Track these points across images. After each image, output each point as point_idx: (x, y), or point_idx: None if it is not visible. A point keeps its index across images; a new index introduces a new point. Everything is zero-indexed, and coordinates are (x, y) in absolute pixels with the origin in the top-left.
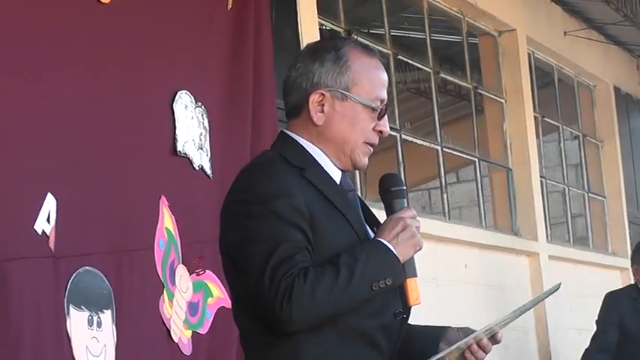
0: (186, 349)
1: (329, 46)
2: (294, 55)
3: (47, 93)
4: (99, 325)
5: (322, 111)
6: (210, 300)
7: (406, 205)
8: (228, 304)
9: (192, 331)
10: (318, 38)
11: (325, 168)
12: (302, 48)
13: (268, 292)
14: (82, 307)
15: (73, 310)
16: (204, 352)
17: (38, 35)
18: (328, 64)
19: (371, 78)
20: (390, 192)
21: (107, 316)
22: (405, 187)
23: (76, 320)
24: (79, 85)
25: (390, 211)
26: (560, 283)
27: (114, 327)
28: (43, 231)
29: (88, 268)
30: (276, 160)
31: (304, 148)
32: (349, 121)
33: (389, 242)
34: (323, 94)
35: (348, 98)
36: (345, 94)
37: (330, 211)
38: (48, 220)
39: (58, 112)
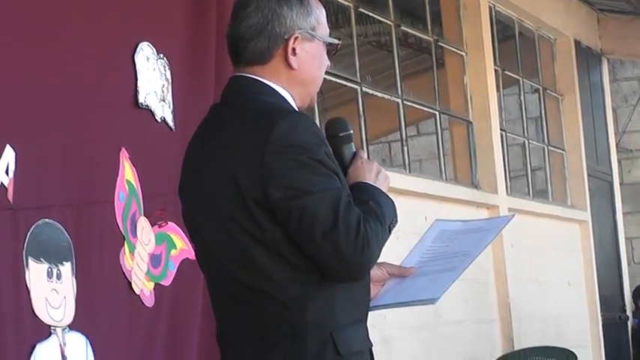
0: (149, 301)
1: None
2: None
3: (4, 45)
4: (58, 277)
5: (294, 54)
6: (173, 252)
7: (354, 149)
8: (192, 255)
9: (155, 283)
10: None
11: None
12: None
13: (346, 240)
14: (41, 259)
15: (32, 263)
16: (167, 303)
17: None
18: (296, 7)
19: (323, 16)
20: (338, 137)
21: (67, 269)
22: (352, 131)
23: (35, 272)
24: (39, 37)
25: (339, 156)
26: (514, 215)
27: (74, 279)
28: (2, 183)
29: (47, 220)
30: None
31: (282, 95)
32: (317, 61)
33: (375, 184)
34: (296, 37)
35: (314, 38)
36: (312, 35)
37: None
38: (7, 172)
39: (16, 65)
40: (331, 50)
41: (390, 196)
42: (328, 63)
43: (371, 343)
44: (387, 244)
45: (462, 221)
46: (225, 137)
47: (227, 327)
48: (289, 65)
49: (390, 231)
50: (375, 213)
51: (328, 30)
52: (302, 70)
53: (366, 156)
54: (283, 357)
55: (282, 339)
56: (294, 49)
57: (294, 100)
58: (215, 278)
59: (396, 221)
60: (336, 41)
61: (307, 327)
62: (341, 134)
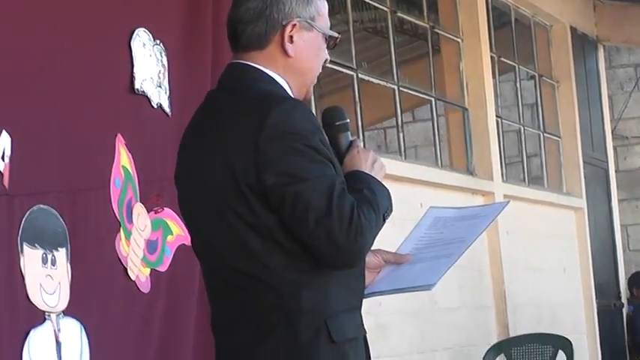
0: (144, 287)
1: None
2: None
3: (1, 31)
4: (53, 263)
5: (291, 42)
6: (169, 237)
7: (350, 138)
8: (188, 241)
9: (151, 269)
10: None
11: None
12: None
13: (339, 227)
14: (36, 245)
15: (26, 248)
16: (163, 289)
17: None
18: None
19: (325, 8)
20: (334, 126)
21: (62, 254)
22: (348, 120)
23: (30, 258)
24: (35, 24)
25: (335, 145)
26: (509, 201)
27: (68, 265)
28: None
29: (42, 206)
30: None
31: (278, 82)
32: (315, 51)
33: (371, 173)
34: (294, 25)
35: (313, 28)
36: (311, 25)
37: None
38: (2, 157)
39: (12, 51)
40: (330, 44)
41: (386, 183)
42: (327, 57)
43: (365, 330)
44: (382, 230)
45: (456, 208)
46: (222, 123)
47: (221, 314)
48: (285, 52)
49: (384, 220)
50: (369, 201)
51: (329, 23)
52: (298, 59)
53: (362, 145)
54: (277, 344)
55: (276, 326)
56: (291, 37)
57: (290, 88)
58: (210, 265)
59: (391, 210)
60: (335, 34)
61: (301, 314)
62: (337, 123)
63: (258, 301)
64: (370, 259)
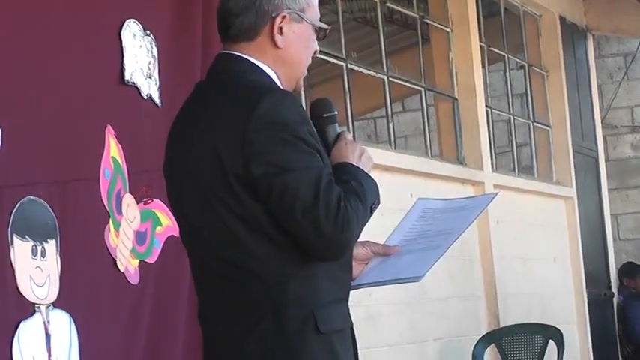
0: (133, 279)
1: None
2: None
3: None
4: (43, 254)
5: (281, 33)
6: (159, 229)
7: (338, 130)
8: (177, 232)
9: (140, 260)
10: None
11: None
12: None
13: (326, 218)
14: (26, 236)
15: (16, 240)
16: (152, 280)
17: None
18: None
19: (315, 0)
20: (322, 118)
21: (51, 246)
22: (336, 112)
23: (20, 250)
24: (25, 15)
25: (323, 137)
26: (497, 193)
27: (58, 257)
28: None
29: (32, 197)
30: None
31: (267, 74)
32: (304, 43)
33: (359, 165)
34: (284, 17)
35: (303, 20)
36: (301, 16)
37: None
38: None
39: (2, 42)
40: (320, 35)
41: (376, 173)
42: (317, 48)
43: (352, 322)
44: (372, 220)
45: (445, 200)
46: (210, 114)
47: (209, 304)
48: (275, 44)
49: (372, 212)
50: (356, 192)
51: (319, 15)
52: (287, 50)
53: (350, 137)
54: (265, 334)
55: (263, 316)
56: (280, 29)
57: (279, 79)
58: (198, 255)
59: (379, 202)
60: (325, 26)
61: (288, 304)
62: (325, 115)
63: (246, 291)
64: (359, 250)
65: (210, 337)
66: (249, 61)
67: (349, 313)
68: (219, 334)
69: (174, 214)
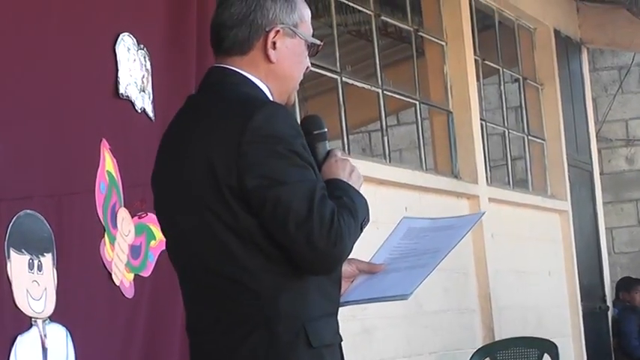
0: (128, 292)
1: None
2: None
3: None
4: (39, 268)
5: (274, 48)
6: (153, 243)
7: (328, 147)
8: None
9: (135, 274)
10: None
11: None
12: None
13: (319, 232)
14: (23, 250)
15: (13, 254)
16: (147, 294)
17: None
18: (281, 1)
19: (308, 16)
20: (312, 135)
21: (48, 260)
22: (326, 129)
23: (17, 264)
24: (20, 28)
25: (313, 153)
26: (484, 212)
27: (54, 270)
28: None
29: (28, 211)
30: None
31: (259, 87)
32: (297, 58)
33: (349, 182)
34: (278, 31)
35: (296, 35)
36: (294, 31)
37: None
38: None
39: None
40: (312, 51)
41: (370, 186)
42: (309, 64)
43: (341, 337)
44: (366, 233)
45: (431, 219)
46: (203, 125)
47: (198, 317)
48: (268, 58)
49: (362, 229)
50: (348, 208)
51: (312, 30)
52: (280, 65)
53: (340, 154)
54: (255, 347)
55: (254, 329)
56: (274, 43)
57: (271, 93)
58: (187, 268)
59: (368, 219)
60: (317, 42)
61: (280, 318)
62: (315, 132)
63: (237, 304)
64: (345, 267)
65: (199, 350)
66: (241, 74)
67: (338, 329)
68: (208, 347)
69: (161, 224)
